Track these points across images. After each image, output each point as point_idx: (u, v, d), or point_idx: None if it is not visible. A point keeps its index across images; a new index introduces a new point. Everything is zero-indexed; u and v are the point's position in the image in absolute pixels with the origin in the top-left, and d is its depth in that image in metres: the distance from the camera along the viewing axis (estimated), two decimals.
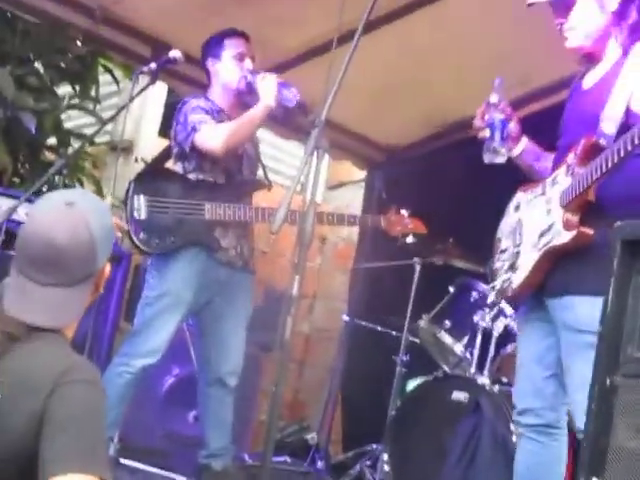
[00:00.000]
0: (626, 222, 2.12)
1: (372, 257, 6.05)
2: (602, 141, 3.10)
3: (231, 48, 4.43)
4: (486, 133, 3.45)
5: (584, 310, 3.01)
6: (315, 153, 2.86)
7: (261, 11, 4.97)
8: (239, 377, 4.45)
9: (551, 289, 3.23)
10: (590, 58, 3.37)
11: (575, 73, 5.39)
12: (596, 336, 2.84)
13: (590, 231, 3.09)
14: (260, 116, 4.27)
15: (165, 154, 4.53)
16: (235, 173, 4.44)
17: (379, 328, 5.71)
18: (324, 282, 7.64)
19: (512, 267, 3.39)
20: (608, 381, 2.03)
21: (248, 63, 4.42)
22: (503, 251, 3.52)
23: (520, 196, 3.54)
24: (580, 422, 2.89)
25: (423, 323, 5.16)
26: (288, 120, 5.82)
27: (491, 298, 4.76)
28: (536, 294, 3.31)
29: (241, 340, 4.46)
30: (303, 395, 7.54)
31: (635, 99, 3.10)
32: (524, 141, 3.54)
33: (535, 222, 3.33)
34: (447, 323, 5.05)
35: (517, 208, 3.53)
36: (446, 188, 5.79)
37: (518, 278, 3.35)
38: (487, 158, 3.47)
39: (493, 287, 4.22)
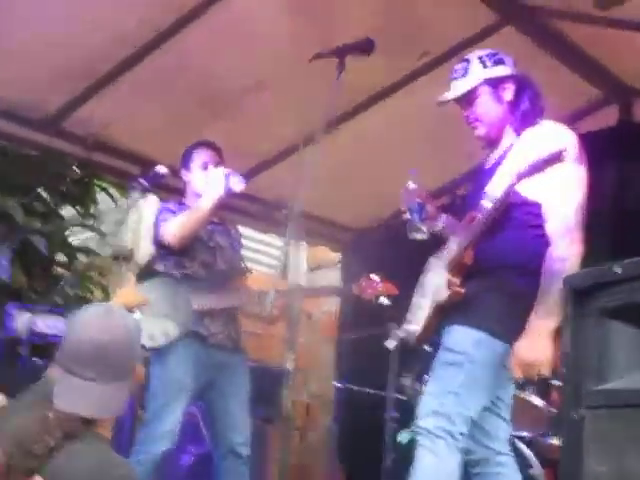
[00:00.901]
0: (574, 273, 2.16)
1: (354, 327, 6.05)
2: (479, 215, 3.27)
3: (198, 159, 4.42)
4: (407, 215, 3.60)
5: (456, 334, 3.22)
6: (293, 243, 2.89)
7: (234, 124, 5.03)
8: (249, 447, 4.35)
9: (444, 325, 3.36)
10: (492, 143, 3.50)
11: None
12: (457, 355, 3.15)
13: (462, 290, 3.26)
14: (206, 206, 4.20)
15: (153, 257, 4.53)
16: (212, 265, 4.40)
17: (368, 390, 5.68)
18: (314, 354, 7.61)
19: (415, 320, 3.55)
20: (574, 414, 2.03)
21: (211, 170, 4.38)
22: (413, 306, 3.65)
23: (431, 259, 3.67)
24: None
25: (407, 381, 5.14)
26: (266, 215, 5.88)
27: (391, 345, 5.01)
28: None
29: (246, 413, 4.37)
30: (307, 458, 7.45)
31: (513, 175, 3.17)
32: (443, 218, 3.69)
33: (433, 282, 3.50)
34: (427, 378, 5.03)
35: (427, 270, 3.67)
36: (413, 260, 5.80)
37: (417, 329, 3.50)
38: (410, 235, 3.63)
39: (397, 335, 4.73)
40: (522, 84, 3.43)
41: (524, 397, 4.56)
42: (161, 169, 4.35)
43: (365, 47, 3.29)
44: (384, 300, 4.38)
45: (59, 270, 6.08)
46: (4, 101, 4.78)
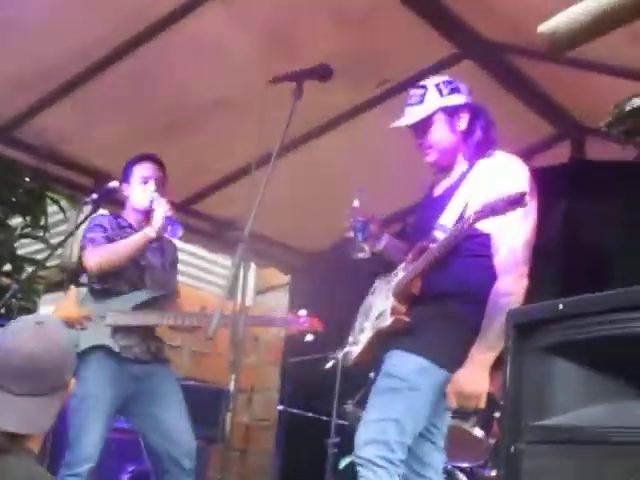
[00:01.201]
0: (516, 308, 2.17)
1: (300, 351, 6.03)
2: (432, 246, 3.26)
3: (138, 173, 4.38)
4: (350, 233, 3.60)
5: (397, 360, 3.21)
6: (241, 265, 2.88)
7: (188, 141, 5.02)
8: (193, 460, 4.22)
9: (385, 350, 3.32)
10: (443, 170, 3.52)
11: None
12: (398, 381, 3.13)
13: (406, 318, 3.27)
14: (138, 243, 4.21)
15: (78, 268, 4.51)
16: (137, 283, 4.36)
17: (310, 414, 5.67)
18: (260, 376, 7.58)
19: (355, 342, 3.55)
20: (513, 448, 2.03)
21: (151, 185, 4.35)
22: (355, 328, 3.64)
23: (376, 282, 3.69)
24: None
25: (349, 407, 5.13)
26: (216, 235, 5.87)
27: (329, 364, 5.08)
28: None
29: (184, 422, 4.27)
30: None
31: (469, 209, 3.19)
32: (385, 238, 3.68)
33: (377, 306, 3.48)
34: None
35: (373, 292, 3.67)
36: (360, 285, 5.81)
37: (356, 351, 3.50)
38: (353, 254, 3.62)
39: (334, 357, 4.78)
40: (476, 113, 3.46)
41: (465, 428, 4.57)
42: (114, 184, 4.33)
43: (323, 73, 3.29)
44: (309, 337, 4.35)
45: (4, 280, 6.00)
46: None
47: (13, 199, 6.00)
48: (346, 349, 3.61)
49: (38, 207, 6.13)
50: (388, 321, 3.31)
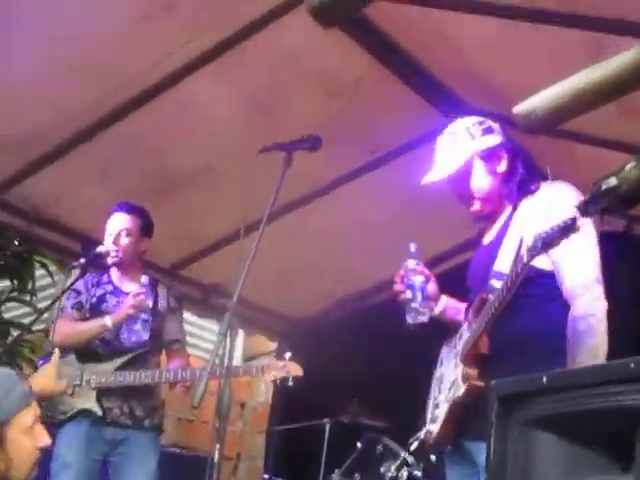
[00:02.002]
0: (500, 380, 2.16)
1: (286, 418, 6.00)
2: (490, 296, 2.98)
3: (108, 224, 4.45)
4: (407, 295, 3.27)
5: None
6: (228, 333, 2.88)
7: (176, 206, 5.04)
8: None
9: (471, 433, 3.00)
10: (489, 218, 3.28)
11: (457, 246, 5.61)
12: None
13: (480, 383, 2.92)
14: (95, 331, 4.30)
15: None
16: (113, 342, 4.36)
17: None
18: (246, 444, 7.52)
19: (432, 419, 3.23)
20: None
21: (108, 240, 4.41)
22: (429, 404, 3.34)
23: (443, 350, 3.39)
24: None
25: (335, 477, 5.08)
26: (204, 300, 5.86)
27: (413, 447, 4.61)
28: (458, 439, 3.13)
29: None
30: None
31: (523, 247, 2.87)
32: (444, 299, 3.41)
33: (448, 376, 3.18)
34: (357, 476, 4.97)
35: (441, 362, 3.36)
36: (348, 352, 5.82)
37: (435, 429, 3.17)
38: (410, 318, 3.25)
39: (417, 438, 4.17)
40: (515, 152, 3.23)
41: None
42: (102, 249, 4.36)
43: (313, 144, 3.30)
44: (290, 382, 4.24)
45: None
46: None
47: (1, 262, 6.00)
48: (425, 428, 3.29)
49: (26, 271, 6.12)
50: (461, 390, 2.99)
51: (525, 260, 2.69)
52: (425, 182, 3.29)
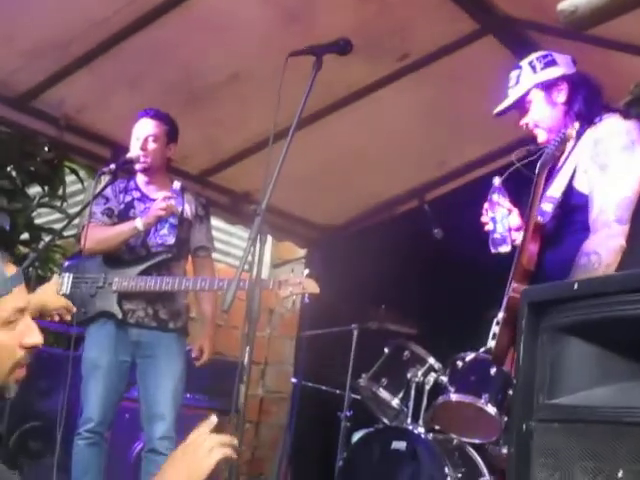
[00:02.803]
0: (531, 287, 2.16)
1: (315, 325, 6.05)
2: (540, 219, 3.13)
3: (134, 130, 4.45)
4: (490, 226, 3.40)
5: None
6: (258, 238, 2.88)
7: (206, 115, 5.02)
8: (174, 440, 4.19)
9: None
10: None
11: (486, 155, 5.57)
12: None
13: (517, 295, 2.93)
14: (126, 234, 4.31)
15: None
16: (138, 248, 4.39)
17: (324, 388, 5.69)
18: (274, 349, 7.61)
19: (493, 336, 3.32)
20: (524, 426, 2.04)
21: (135, 145, 4.41)
22: (494, 321, 3.39)
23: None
24: None
25: (362, 381, 5.13)
26: (234, 208, 5.87)
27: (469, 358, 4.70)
28: None
29: (168, 399, 4.26)
30: (260, 452, 7.45)
31: (576, 178, 3.12)
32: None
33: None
34: (384, 380, 5.04)
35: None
36: (376, 260, 5.83)
37: (495, 346, 3.25)
38: (493, 247, 3.38)
39: (487, 349, 4.22)
40: (576, 83, 3.32)
41: (479, 405, 4.58)
42: (131, 155, 4.35)
43: (343, 47, 3.26)
44: (306, 298, 4.24)
45: (22, 249, 6.03)
46: None
47: (31, 168, 6.02)
48: (488, 344, 3.37)
49: (56, 177, 6.15)
50: (504, 303, 3.12)
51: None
52: (494, 112, 3.45)
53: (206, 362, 4.48)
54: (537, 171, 3.18)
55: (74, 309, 3.49)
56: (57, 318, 3.41)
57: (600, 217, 2.99)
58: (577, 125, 3.24)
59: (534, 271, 3.12)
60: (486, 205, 3.44)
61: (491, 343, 3.30)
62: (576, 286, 1.96)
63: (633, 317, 1.83)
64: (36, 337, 2.04)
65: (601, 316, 1.90)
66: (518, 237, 3.37)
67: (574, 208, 3.10)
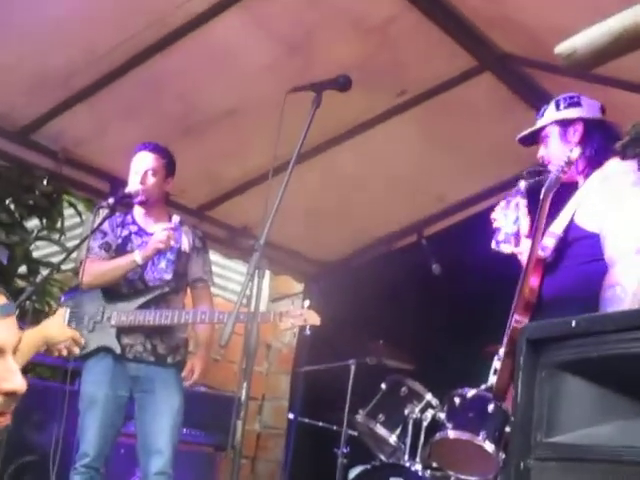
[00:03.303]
0: (529, 324, 2.15)
1: (312, 360, 6.03)
2: (541, 253, 3.20)
3: (133, 163, 4.44)
4: (499, 223, 3.48)
5: None
6: (256, 273, 2.88)
7: (204, 148, 5.04)
8: (171, 476, 4.19)
9: None
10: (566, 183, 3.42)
11: (485, 190, 5.58)
12: None
13: (522, 325, 3.02)
14: (124, 268, 4.31)
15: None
16: (136, 282, 4.39)
17: (320, 424, 5.66)
18: (271, 384, 7.59)
19: (494, 371, 3.34)
20: (522, 464, 2.02)
21: (134, 179, 4.40)
22: (496, 356, 3.40)
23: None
24: None
25: (360, 417, 5.11)
26: (232, 242, 5.87)
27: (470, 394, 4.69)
28: None
29: (165, 434, 4.22)
30: None
31: (578, 214, 3.20)
32: (528, 243, 3.46)
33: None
34: (381, 416, 5.02)
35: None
36: (374, 295, 5.83)
37: (496, 380, 3.28)
38: (495, 245, 3.48)
39: (488, 387, 4.21)
40: (593, 127, 3.40)
41: (477, 442, 4.56)
42: (130, 189, 4.36)
43: (342, 84, 3.29)
44: (307, 330, 4.21)
45: (20, 283, 6.02)
46: None
47: (30, 202, 6.03)
48: (489, 381, 3.35)
49: (55, 210, 6.15)
50: (507, 334, 3.15)
51: None
52: (517, 138, 3.56)
53: (195, 383, 4.47)
54: (542, 196, 3.26)
55: (82, 340, 3.41)
56: (65, 352, 3.27)
57: (618, 250, 3.01)
58: (579, 151, 3.31)
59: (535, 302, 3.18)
60: (502, 203, 3.52)
61: (492, 379, 3.31)
62: (574, 323, 1.96)
63: (632, 355, 1.82)
64: (15, 382, 1.71)
65: (599, 354, 1.90)
66: (524, 246, 3.42)
67: (572, 241, 3.18)
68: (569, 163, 3.26)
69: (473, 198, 5.79)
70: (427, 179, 5.54)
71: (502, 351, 3.20)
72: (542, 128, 3.47)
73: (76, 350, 3.32)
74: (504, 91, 4.75)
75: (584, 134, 3.39)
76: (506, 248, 3.46)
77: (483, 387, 3.90)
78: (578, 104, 3.45)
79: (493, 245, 3.48)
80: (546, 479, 1.98)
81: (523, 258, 3.44)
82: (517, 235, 3.46)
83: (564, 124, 3.42)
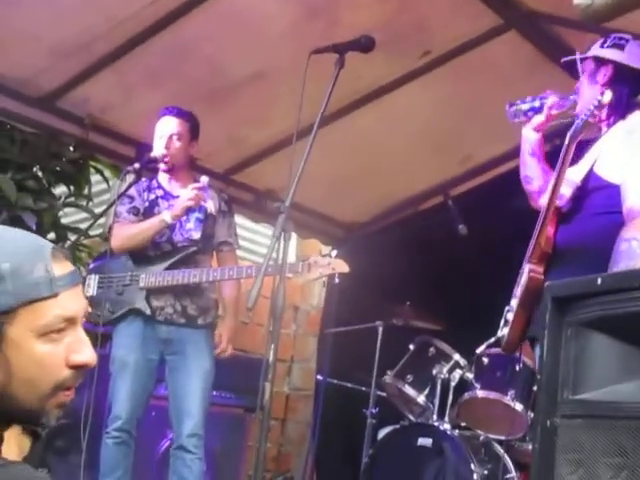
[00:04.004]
0: (554, 281, 2.15)
1: (339, 322, 6.06)
2: (557, 202, 3.13)
3: (157, 128, 4.48)
4: (530, 99, 3.44)
5: None
6: (282, 235, 2.90)
7: (229, 112, 5.03)
8: (201, 438, 4.24)
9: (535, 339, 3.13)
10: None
11: (510, 151, 5.55)
12: None
13: (538, 275, 3.04)
14: (155, 228, 4.33)
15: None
16: (163, 244, 4.41)
17: (349, 385, 5.69)
18: (299, 346, 7.63)
19: (506, 322, 3.27)
20: (548, 422, 2.04)
21: (158, 144, 4.43)
22: (506, 310, 3.34)
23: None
24: None
25: (388, 378, 5.15)
26: (258, 205, 5.89)
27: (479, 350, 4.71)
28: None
29: (197, 396, 4.27)
30: (286, 448, 7.48)
31: (598, 163, 3.14)
32: (538, 135, 3.46)
33: (522, 280, 3.21)
34: (409, 377, 5.05)
35: (522, 272, 3.30)
36: (401, 257, 5.83)
37: (507, 332, 3.23)
38: (514, 115, 3.48)
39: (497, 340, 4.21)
40: (623, 75, 3.25)
41: (505, 401, 4.58)
42: (156, 153, 4.37)
43: (365, 45, 3.26)
44: (335, 279, 4.16)
45: None
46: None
47: (57, 168, 6.05)
48: (499, 333, 3.31)
49: (81, 176, 6.16)
50: (524, 283, 3.09)
51: None
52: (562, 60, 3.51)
53: (224, 352, 4.46)
54: (567, 141, 3.12)
55: (89, 310, 3.43)
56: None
57: (637, 204, 2.97)
58: (610, 95, 3.16)
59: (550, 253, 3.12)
60: (548, 91, 3.45)
61: (503, 331, 3.26)
62: (599, 281, 1.96)
63: None
64: (86, 354, 1.67)
65: (625, 311, 1.90)
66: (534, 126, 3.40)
67: (591, 191, 3.12)
68: (599, 107, 3.13)
69: (499, 158, 5.75)
70: (452, 140, 5.50)
71: (514, 302, 3.16)
72: (581, 59, 3.35)
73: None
74: (530, 49, 4.69)
75: (612, 79, 3.26)
76: (522, 118, 3.44)
77: (492, 340, 3.87)
78: (621, 47, 3.29)
79: (512, 117, 3.47)
80: (573, 436, 1.99)
81: (533, 145, 3.44)
82: (539, 110, 3.40)
83: (598, 62, 3.31)
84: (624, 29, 3.82)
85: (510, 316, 3.21)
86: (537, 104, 3.41)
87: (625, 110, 3.23)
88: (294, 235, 6.51)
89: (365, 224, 6.56)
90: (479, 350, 4.71)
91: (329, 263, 4.02)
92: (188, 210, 4.30)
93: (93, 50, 4.56)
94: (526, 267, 3.12)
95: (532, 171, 3.49)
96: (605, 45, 3.30)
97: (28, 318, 1.60)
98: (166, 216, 4.27)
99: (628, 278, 1.93)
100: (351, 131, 5.26)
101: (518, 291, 3.20)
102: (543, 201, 3.37)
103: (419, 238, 5.86)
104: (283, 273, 2.88)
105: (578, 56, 3.37)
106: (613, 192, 3.07)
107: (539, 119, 3.41)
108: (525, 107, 3.44)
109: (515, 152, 5.52)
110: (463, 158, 5.83)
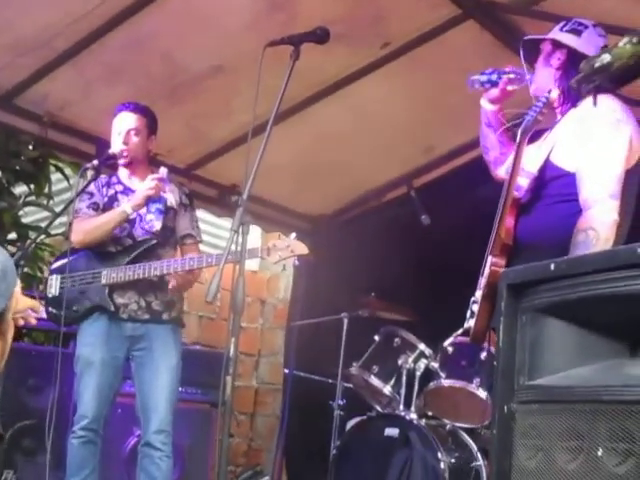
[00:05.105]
0: (510, 269, 2.17)
1: (305, 314, 6.06)
2: (515, 194, 3.15)
3: (114, 124, 4.43)
4: (490, 72, 3.48)
5: None
6: (240, 229, 2.90)
7: (190, 107, 5.02)
8: (169, 434, 4.21)
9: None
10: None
11: (473, 140, 5.58)
12: None
13: (499, 269, 3.00)
14: (115, 220, 4.29)
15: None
16: (124, 239, 4.37)
17: (316, 377, 5.71)
18: (267, 340, 7.64)
19: (472, 313, 3.23)
20: (506, 408, 2.06)
21: (117, 140, 4.39)
22: (472, 301, 3.30)
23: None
24: None
25: (354, 370, 5.16)
26: (220, 200, 5.87)
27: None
28: None
29: (164, 392, 4.24)
30: (256, 443, 7.50)
31: (554, 152, 3.14)
32: (496, 109, 3.51)
33: (485, 272, 3.19)
34: (375, 368, 5.07)
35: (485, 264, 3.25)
36: (365, 248, 5.85)
37: (474, 323, 3.19)
38: (472, 83, 3.54)
39: (456, 334, 4.22)
40: (576, 61, 3.12)
41: (470, 389, 4.61)
42: (114, 150, 4.35)
43: (320, 36, 3.26)
44: (295, 261, 4.12)
45: (10, 248, 6.03)
46: None
47: (17, 167, 6.01)
48: (466, 325, 3.27)
49: (42, 175, 6.14)
50: (484, 277, 3.08)
51: None
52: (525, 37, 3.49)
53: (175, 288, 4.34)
54: (518, 138, 3.18)
55: (40, 309, 3.31)
56: (21, 322, 3.14)
57: (593, 194, 2.99)
58: (557, 93, 3.23)
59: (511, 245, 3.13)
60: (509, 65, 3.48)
61: (469, 323, 3.23)
62: (553, 267, 1.97)
63: (609, 296, 1.84)
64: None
65: (578, 296, 1.92)
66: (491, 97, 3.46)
67: (548, 181, 3.13)
68: (548, 104, 3.19)
69: (461, 148, 5.77)
70: (414, 131, 5.52)
71: (479, 294, 3.15)
72: (539, 40, 3.37)
73: (33, 320, 3.24)
74: (489, 39, 4.71)
75: (565, 64, 3.28)
76: (478, 88, 3.50)
77: (460, 331, 3.89)
78: (579, 33, 3.29)
79: (471, 83, 3.53)
80: (530, 422, 2.01)
81: (490, 117, 3.49)
82: (495, 83, 3.44)
83: (554, 45, 3.32)
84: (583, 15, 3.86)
85: (475, 307, 3.20)
86: (494, 77, 3.45)
87: (577, 97, 3.22)
88: (259, 229, 6.51)
89: (329, 216, 6.57)
90: (446, 343, 4.74)
91: (288, 245, 3.95)
92: (148, 200, 4.26)
93: (49, 47, 4.52)
94: (488, 259, 3.13)
95: (488, 141, 3.58)
96: (564, 29, 3.31)
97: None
98: (126, 207, 4.24)
99: (580, 263, 1.95)
100: (314, 123, 5.26)
101: (482, 282, 3.22)
102: (500, 172, 3.49)
103: (383, 229, 5.88)
104: (242, 266, 2.88)
105: (536, 37, 3.40)
106: (570, 180, 3.08)
107: (494, 92, 3.47)
108: (483, 79, 3.49)
109: (477, 142, 5.58)
110: (426, 148, 5.85)
